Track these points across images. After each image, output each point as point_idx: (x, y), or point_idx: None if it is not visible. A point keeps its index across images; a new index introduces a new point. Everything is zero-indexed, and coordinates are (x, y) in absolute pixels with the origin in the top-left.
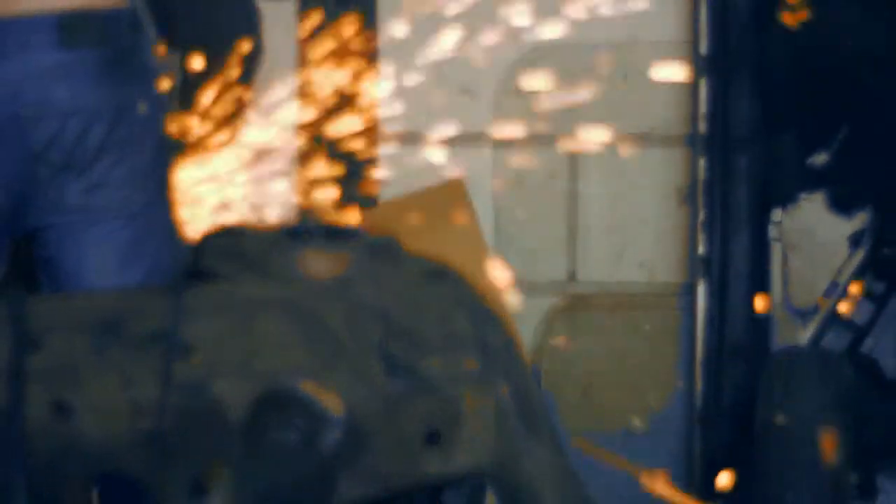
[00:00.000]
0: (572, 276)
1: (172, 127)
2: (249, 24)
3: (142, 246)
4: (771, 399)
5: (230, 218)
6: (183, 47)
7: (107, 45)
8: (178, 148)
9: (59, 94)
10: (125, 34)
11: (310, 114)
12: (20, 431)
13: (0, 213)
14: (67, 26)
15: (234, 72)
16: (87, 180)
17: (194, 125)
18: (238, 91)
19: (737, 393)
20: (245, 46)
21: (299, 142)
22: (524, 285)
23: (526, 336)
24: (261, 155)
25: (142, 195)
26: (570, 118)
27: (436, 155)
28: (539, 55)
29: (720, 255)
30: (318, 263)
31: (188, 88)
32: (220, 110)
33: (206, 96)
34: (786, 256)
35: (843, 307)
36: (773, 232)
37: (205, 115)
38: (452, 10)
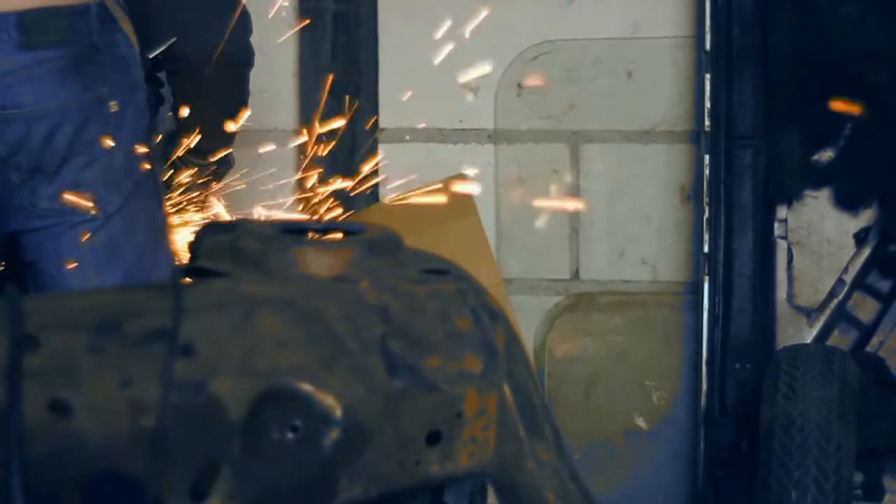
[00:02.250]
0: (575, 275)
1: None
2: (239, 22)
3: (120, 246)
4: (776, 398)
5: (228, 214)
6: (160, 43)
7: (73, 43)
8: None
9: (22, 97)
10: (94, 30)
11: (309, 109)
12: (18, 431)
13: None
14: (30, 26)
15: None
16: (58, 183)
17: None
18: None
19: (741, 392)
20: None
21: (299, 138)
22: (526, 283)
23: (528, 335)
24: (260, 150)
25: (117, 195)
26: (573, 114)
27: (438, 151)
28: (542, 50)
29: (724, 253)
30: (318, 261)
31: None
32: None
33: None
34: (791, 254)
35: (849, 305)
36: (777, 230)
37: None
38: (455, 4)
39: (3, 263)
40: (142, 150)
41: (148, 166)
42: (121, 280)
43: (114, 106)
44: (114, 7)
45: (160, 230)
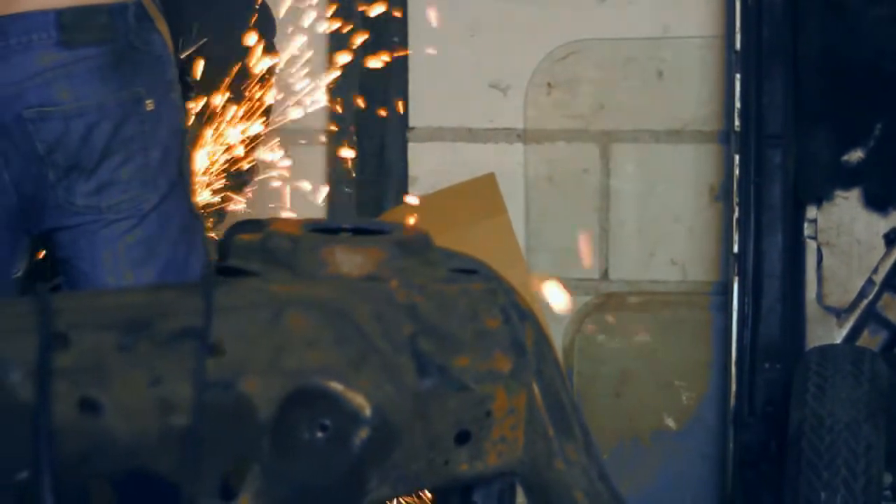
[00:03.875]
0: (604, 274)
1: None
2: (262, 21)
3: (154, 244)
4: (805, 398)
5: (257, 213)
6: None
7: (111, 42)
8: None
9: (60, 94)
10: (131, 28)
11: (338, 109)
12: (47, 429)
13: (14, 212)
14: (69, 24)
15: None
16: (95, 181)
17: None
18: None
19: (770, 392)
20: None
21: (329, 137)
22: (556, 283)
23: (557, 334)
24: (290, 149)
25: (152, 193)
26: (603, 114)
27: (468, 150)
28: (572, 50)
29: (754, 254)
30: (348, 260)
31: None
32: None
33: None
34: (820, 254)
35: (879, 305)
36: (807, 230)
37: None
38: (485, 4)
39: (36, 261)
40: (176, 149)
41: (182, 165)
42: (155, 278)
43: (150, 105)
44: (150, 6)
45: (194, 229)
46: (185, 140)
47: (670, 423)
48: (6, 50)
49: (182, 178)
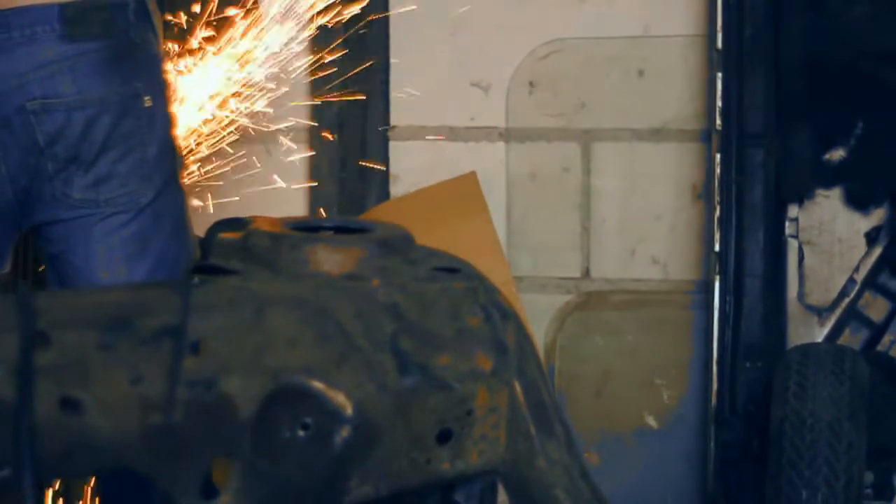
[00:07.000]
0: (586, 273)
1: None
2: None
3: (148, 239)
4: (786, 397)
5: (239, 212)
6: None
7: (112, 37)
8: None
9: (63, 87)
10: (131, 25)
11: (321, 108)
12: (29, 427)
13: (7, 206)
14: (72, 18)
15: None
16: (94, 174)
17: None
18: None
19: (752, 391)
20: None
21: (310, 135)
22: (537, 282)
23: (539, 333)
24: (271, 147)
25: (148, 188)
26: (585, 112)
27: (449, 149)
28: (553, 49)
29: (735, 252)
30: (329, 259)
31: None
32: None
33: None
34: (802, 253)
35: (860, 304)
36: (789, 229)
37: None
38: (466, 2)
39: (16, 259)
40: (170, 146)
41: (176, 164)
42: (147, 273)
43: (148, 101)
44: (150, 2)
45: (185, 226)
46: (177, 141)
47: (651, 421)
48: (9, 42)
49: (176, 175)
